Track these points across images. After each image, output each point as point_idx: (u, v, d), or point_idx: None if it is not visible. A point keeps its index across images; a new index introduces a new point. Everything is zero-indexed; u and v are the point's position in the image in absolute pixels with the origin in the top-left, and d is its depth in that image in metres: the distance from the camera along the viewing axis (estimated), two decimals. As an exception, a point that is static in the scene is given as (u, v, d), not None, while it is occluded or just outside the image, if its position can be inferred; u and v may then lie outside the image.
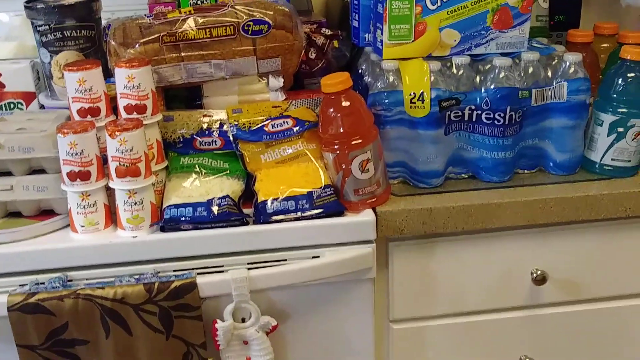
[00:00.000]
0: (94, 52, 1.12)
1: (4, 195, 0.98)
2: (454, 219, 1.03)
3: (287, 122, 1.06)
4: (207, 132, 1.07)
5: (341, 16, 1.37)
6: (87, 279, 0.95)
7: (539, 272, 1.09)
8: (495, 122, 1.04)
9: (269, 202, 0.99)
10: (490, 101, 1.03)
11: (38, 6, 1.09)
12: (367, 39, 1.16)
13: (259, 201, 1.00)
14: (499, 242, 1.08)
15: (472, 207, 1.03)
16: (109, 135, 0.94)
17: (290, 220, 0.98)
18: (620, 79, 1.06)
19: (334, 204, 0.99)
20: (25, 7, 1.10)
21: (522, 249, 1.10)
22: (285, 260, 0.99)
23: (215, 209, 0.97)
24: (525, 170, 1.12)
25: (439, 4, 1.03)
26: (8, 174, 0.99)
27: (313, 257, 0.99)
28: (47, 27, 1.09)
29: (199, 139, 1.06)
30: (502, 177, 1.09)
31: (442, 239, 1.07)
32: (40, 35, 1.10)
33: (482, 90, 1.04)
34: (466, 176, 1.11)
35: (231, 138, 1.05)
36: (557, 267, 1.11)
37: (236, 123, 1.06)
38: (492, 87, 1.03)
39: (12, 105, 1.15)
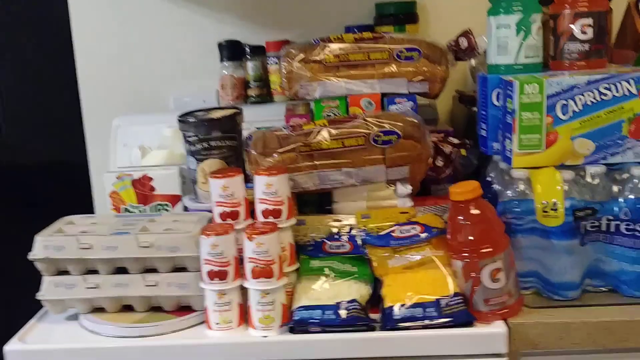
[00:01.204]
0: (235, 160, 1.21)
1: (150, 291, 1.05)
2: (593, 335, 0.97)
3: (414, 228, 1.07)
4: (336, 236, 1.10)
5: (466, 125, 1.39)
6: (218, 375, 0.99)
7: (693, 400, 0.99)
8: (637, 233, 0.99)
9: (396, 308, 0.98)
10: (631, 212, 0.99)
11: (190, 120, 1.21)
12: (495, 148, 1.16)
13: (385, 306, 1.00)
14: (645, 363, 1.01)
15: (614, 323, 0.97)
16: (247, 237, 0.99)
17: (418, 328, 0.96)
18: None
19: (463, 313, 0.97)
20: (178, 120, 1.23)
21: (672, 372, 1.01)
22: (412, 369, 0.97)
23: (343, 312, 0.98)
24: (672, 285, 1.05)
25: (570, 114, 1.03)
26: (153, 270, 1.06)
27: (440, 368, 0.97)
28: (196, 137, 1.20)
29: (328, 242, 1.10)
30: (646, 292, 1.02)
31: (579, 356, 1.00)
32: (189, 145, 1.21)
33: (621, 200, 1.00)
34: (605, 289, 1.05)
35: (360, 242, 1.08)
36: None
37: (364, 228, 1.09)
38: (632, 197, 1.00)
39: (159, 207, 1.26)
